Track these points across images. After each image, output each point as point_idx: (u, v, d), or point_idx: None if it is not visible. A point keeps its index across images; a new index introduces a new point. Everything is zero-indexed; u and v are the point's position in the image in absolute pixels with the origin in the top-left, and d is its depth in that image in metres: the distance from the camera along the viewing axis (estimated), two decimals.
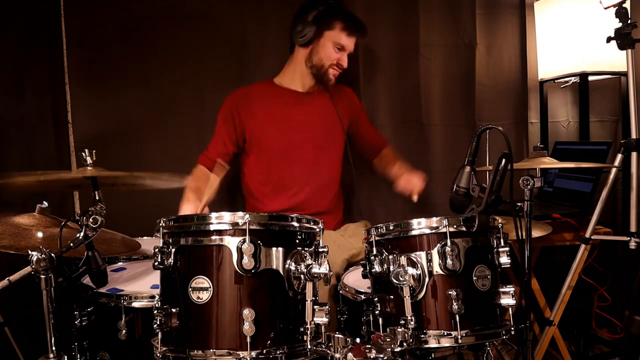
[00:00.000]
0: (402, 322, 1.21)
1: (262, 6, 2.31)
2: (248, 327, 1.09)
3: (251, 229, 1.14)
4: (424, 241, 1.29)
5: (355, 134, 2.23)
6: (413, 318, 1.21)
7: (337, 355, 1.14)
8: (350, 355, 1.15)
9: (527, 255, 1.56)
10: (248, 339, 1.09)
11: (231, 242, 1.14)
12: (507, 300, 1.28)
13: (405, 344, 1.18)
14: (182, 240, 1.18)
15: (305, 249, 1.22)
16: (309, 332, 1.15)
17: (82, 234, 1.22)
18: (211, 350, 1.11)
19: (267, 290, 1.16)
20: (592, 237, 1.94)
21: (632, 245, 1.83)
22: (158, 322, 1.13)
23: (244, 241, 1.12)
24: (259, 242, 1.14)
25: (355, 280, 1.65)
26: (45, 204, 1.51)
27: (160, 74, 2.26)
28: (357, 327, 1.52)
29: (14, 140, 2.08)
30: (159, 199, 2.13)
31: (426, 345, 1.24)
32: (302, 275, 1.18)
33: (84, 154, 1.30)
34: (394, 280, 1.23)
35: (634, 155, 1.87)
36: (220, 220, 1.16)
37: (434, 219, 1.28)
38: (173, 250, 1.18)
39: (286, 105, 2.08)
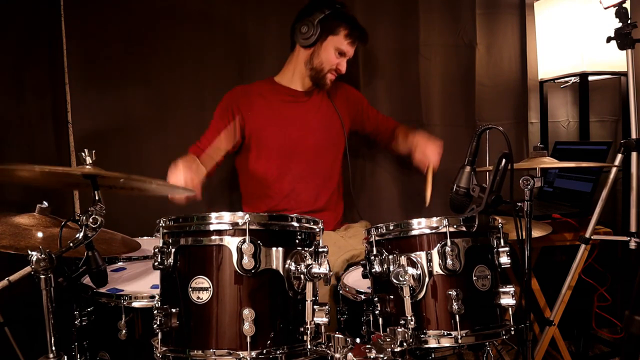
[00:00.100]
0: (402, 322, 1.21)
1: (262, 6, 2.31)
2: (248, 327, 1.09)
3: (251, 229, 1.14)
4: (424, 241, 1.29)
5: (365, 126, 2.24)
6: (413, 318, 1.21)
7: (337, 355, 1.14)
8: (350, 355, 1.15)
9: (527, 255, 1.56)
10: (248, 339, 1.09)
11: (231, 242, 1.14)
12: (507, 300, 1.28)
13: (405, 344, 1.18)
14: (182, 240, 1.18)
15: (305, 249, 1.22)
16: (309, 332, 1.15)
17: (82, 234, 1.22)
18: (211, 350, 1.11)
19: (267, 290, 1.16)
20: (592, 237, 1.94)
21: (632, 245, 1.83)
22: (158, 322, 1.13)
23: (244, 241, 1.13)
24: (259, 242, 1.14)
25: (355, 280, 1.65)
26: (45, 204, 1.52)
27: (160, 74, 2.26)
28: (357, 327, 1.52)
29: (14, 140, 2.08)
30: (159, 199, 2.12)
31: (426, 345, 1.24)
32: (302, 275, 1.18)
33: (83, 153, 1.30)
34: (394, 280, 1.23)
35: (634, 155, 1.87)
36: (220, 220, 1.16)
37: (434, 219, 1.28)
38: (173, 250, 1.18)
39: (286, 102, 2.08)
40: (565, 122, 2.63)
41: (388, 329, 1.21)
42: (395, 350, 1.18)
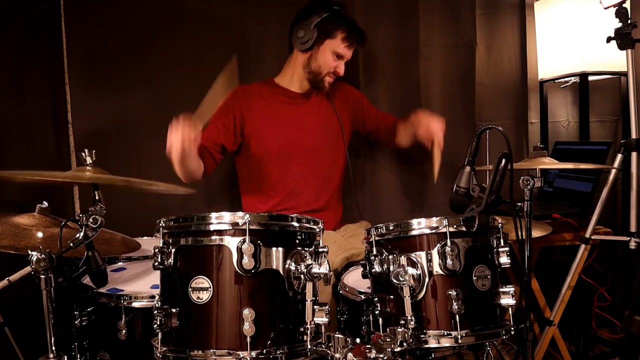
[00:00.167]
0: (402, 322, 1.21)
1: (262, 6, 2.31)
2: (248, 327, 1.09)
3: (251, 229, 1.14)
4: (424, 241, 1.29)
5: (366, 124, 2.23)
6: (413, 318, 1.21)
7: (337, 355, 1.14)
8: (350, 355, 1.15)
9: (527, 255, 1.56)
10: (248, 339, 1.09)
11: (231, 242, 1.14)
12: (507, 300, 1.28)
13: (405, 344, 1.18)
14: (182, 240, 1.18)
15: (305, 249, 1.22)
16: (309, 332, 1.15)
17: (82, 234, 1.22)
18: (211, 350, 1.11)
19: (267, 290, 1.16)
20: (592, 237, 1.94)
21: (632, 245, 1.83)
22: (158, 322, 1.13)
23: (244, 241, 1.13)
24: (259, 242, 1.14)
25: (355, 280, 1.65)
26: (45, 204, 1.52)
27: (160, 74, 2.26)
28: (357, 327, 1.52)
29: (14, 141, 2.08)
30: (159, 199, 2.13)
31: (426, 345, 1.24)
32: (302, 275, 1.18)
33: (83, 154, 1.31)
34: (394, 280, 1.23)
35: (634, 155, 1.87)
36: (220, 220, 1.16)
37: (434, 219, 1.28)
38: (173, 250, 1.18)
39: (286, 104, 2.09)
40: (565, 122, 2.63)
41: (388, 329, 1.21)
42: (395, 350, 1.18)
